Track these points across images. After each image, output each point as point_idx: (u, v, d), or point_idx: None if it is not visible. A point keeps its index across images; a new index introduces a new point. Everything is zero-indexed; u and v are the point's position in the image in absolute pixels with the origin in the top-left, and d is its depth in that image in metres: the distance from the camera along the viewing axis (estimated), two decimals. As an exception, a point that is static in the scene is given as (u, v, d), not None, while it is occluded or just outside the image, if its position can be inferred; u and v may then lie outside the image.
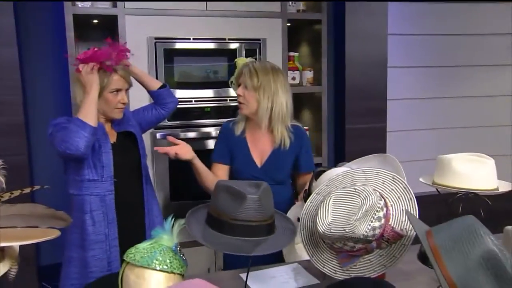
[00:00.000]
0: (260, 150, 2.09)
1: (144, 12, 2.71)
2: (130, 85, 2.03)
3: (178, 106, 2.75)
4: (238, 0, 2.87)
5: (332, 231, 1.26)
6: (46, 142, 1.93)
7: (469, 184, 1.60)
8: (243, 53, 2.87)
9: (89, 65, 1.86)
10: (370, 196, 1.27)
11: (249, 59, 2.14)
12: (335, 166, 1.73)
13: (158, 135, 2.77)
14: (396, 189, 1.36)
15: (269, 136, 2.07)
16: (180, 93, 2.78)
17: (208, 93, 2.87)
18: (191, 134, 2.85)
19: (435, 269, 1.02)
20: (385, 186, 1.38)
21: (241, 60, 2.11)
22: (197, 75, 2.85)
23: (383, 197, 1.33)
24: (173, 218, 1.30)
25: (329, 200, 1.30)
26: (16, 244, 1.18)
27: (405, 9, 3.66)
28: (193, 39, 2.80)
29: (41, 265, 2.98)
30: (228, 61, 2.87)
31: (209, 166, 2.12)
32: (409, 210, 1.32)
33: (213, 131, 2.87)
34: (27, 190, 1.33)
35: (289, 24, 3.10)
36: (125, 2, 2.67)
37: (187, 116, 2.84)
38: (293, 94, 3.03)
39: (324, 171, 1.65)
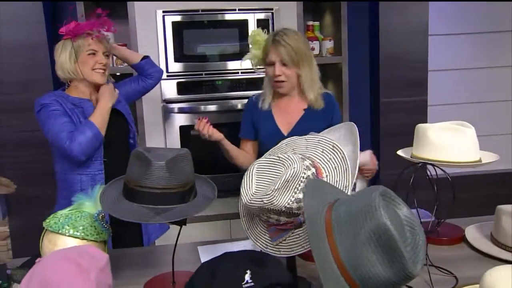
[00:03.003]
0: (287, 118, 2.04)
1: (152, -15, 2.70)
2: (107, 49, 2.01)
3: (189, 79, 2.77)
4: None
5: (253, 202, 1.17)
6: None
7: (445, 156, 1.41)
8: (255, 23, 2.77)
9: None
10: (294, 165, 1.15)
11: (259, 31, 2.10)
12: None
13: (170, 107, 2.77)
14: (334, 159, 1.23)
15: (298, 101, 2.04)
16: (189, 66, 2.76)
17: (219, 66, 2.81)
18: (202, 108, 2.82)
19: (322, 245, 0.90)
20: (324, 155, 1.25)
21: (257, 35, 2.04)
22: (207, 48, 2.80)
23: (315, 167, 1.20)
24: (100, 185, 1.28)
25: (253, 169, 1.21)
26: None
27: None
28: (202, 10, 2.75)
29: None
30: (239, 32, 2.79)
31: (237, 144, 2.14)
32: (343, 181, 1.19)
33: (225, 104, 2.81)
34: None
35: (310, -8, 2.95)
36: (133, -24, 2.68)
37: (198, 89, 2.81)
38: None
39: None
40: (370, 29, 3.33)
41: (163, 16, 2.71)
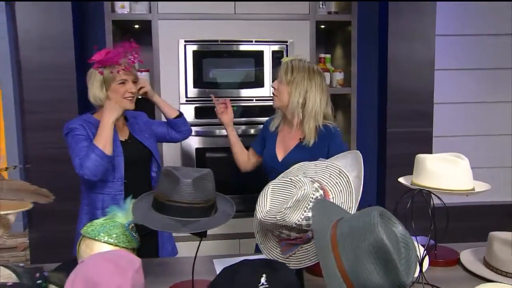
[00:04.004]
0: (285, 145, 2.16)
1: (176, 16, 2.91)
2: (135, 77, 2.15)
3: (207, 104, 2.95)
4: (267, 0, 2.95)
5: (267, 218, 1.32)
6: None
7: (440, 184, 1.56)
8: (270, 55, 2.97)
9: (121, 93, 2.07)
10: (305, 186, 1.31)
11: (290, 57, 2.22)
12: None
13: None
14: (340, 183, 1.39)
15: (298, 132, 2.12)
16: (207, 92, 2.95)
17: (235, 92, 3.00)
18: (217, 132, 2.99)
19: (329, 259, 1.05)
20: (331, 179, 1.41)
21: (285, 59, 2.19)
22: (225, 76, 3.00)
23: (323, 189, 1.36)
24: (131, 198, 1.44)
25: (268, 189, 1.37)
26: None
27: (455, 8, 3.51)
28: (221, 41, 2.95)
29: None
30: (255, 62, 2.99)
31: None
32: (348, 203, 1.34)
33: (238, 129, 2.98)
34: (12, 169, 1.54)
35: (323, 26, 3.14)
36: (158, 8, 2.89)
37: (214, 114, 2.96)
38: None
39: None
40: (379, 62, 3.50)
41: (185, 45, 2.91)
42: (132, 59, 2.09)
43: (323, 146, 2.08)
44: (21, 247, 3.12)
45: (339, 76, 3.19)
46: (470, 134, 3.62)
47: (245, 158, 2.36)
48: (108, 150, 1.95)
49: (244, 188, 2.98)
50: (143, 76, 3.00)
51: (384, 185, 3.48)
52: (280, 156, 2.15)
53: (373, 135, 3.61)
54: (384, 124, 3.41)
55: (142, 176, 2.21)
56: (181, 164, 2.96)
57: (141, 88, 2.22)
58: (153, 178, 2.23)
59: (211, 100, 2.94)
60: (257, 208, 1.36)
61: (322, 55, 3.20)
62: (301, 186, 1.31)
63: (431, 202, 1.65)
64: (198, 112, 2.96)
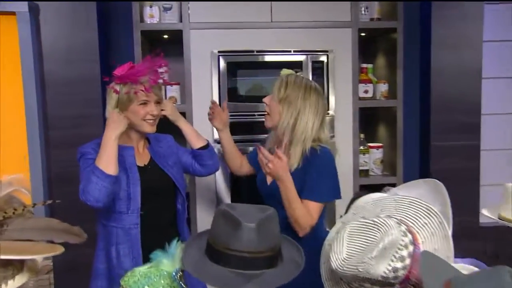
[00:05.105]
0: None
1: (208, 26, 2.71)
2: (159, 97, 1.93)
3: (241, 119, 2.74)
4: (306, 0, 2.75)
5: (345, 269, 1.10)
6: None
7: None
8: (309, 65, 2.75)
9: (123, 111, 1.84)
10: (391, 230, 1.08)
11: (290, 72, 2.01)
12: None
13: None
14: (430, 224, 1.15)
15: (286, 155, 1.84)
16: (243, 107, 2.74)
17: (272, 107, 2.78)
18: (252, 149, 2.77)
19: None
20: (417, 219, 1.17)
21: (284, 72, 1.99)
22: (261, 89, 2.78)
23: (411, 232, 1.13)
24: (178, 241, 1.23)
25: (344, 233, 1.14)
26: (16, 258, 1.19)
27: (504, 11, 3.26)
28: (257, 51, 2.75)
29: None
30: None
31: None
32: (445, 251, 1.11)
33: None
34: (40, 205, 1.34)
35: (363, 34, 2.92)
36: (190, 17, 2.70)
37: (251, 130, 2.78)
38: (365, 109, 2.90)
39: (360, 196, 1.47)
40: (420, 71, 3.27)
41: (218, 56, 2.71)
42: (155, 78, 1.86)
43: (302, 172, 1.84)
44: (45, 269, 2.96)
45: (383, 87, 2.95)
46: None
47: (236, 164, 2.22)
48: (111, 170, 1.72)
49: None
50: (173, 90, 2.81)
51: (428, 203, 3.25)
52: (269, 179, 1.95)
53: (414, 148, 3.37)
54: (427, 137, 3.18)
55: (163, 208, 1.96)
56: (215, 185, 2.74)
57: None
58: (178, 210, 2.00)
59: (247, 115, 2.76)
60: (331, 255, 1.13)
61: (364, 65, 2.97)
62: (387, 230, 1.08)
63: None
64: (233, 128, 2.74)
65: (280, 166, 1.76)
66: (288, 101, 1.85)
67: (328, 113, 1.93)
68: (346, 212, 1.52)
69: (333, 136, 2.69)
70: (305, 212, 1.81)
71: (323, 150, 1.87)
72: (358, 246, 1.12)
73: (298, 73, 1.98)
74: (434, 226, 1.15)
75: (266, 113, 1.96)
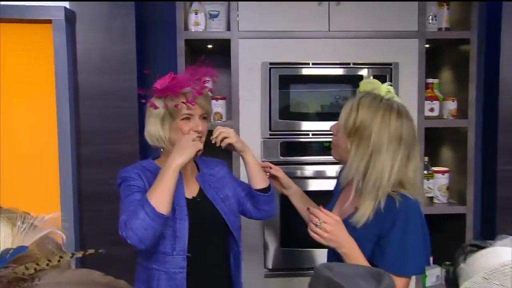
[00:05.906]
0: (341, 211, 1.57)
1: (259, 35, 2.44)
2: (205, 111, 1.65)
3: (293, 139, 2.46)
4: (370, 0, 2.46)
5: None
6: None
7: None
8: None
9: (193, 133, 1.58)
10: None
11: (372, 85, 1.59)
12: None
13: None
14: None
15: (356, 199, 1.49)
16: (295, 125, 2.46)
17: (328, 125, 2.48)
18: (307, 172, 2.48)
19: None
20: None
21: (363, 86, 1.59)
22: (316, 105, 2.49)
23: None
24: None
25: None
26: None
27: None
28: (312, 64, 2.46)
29: None
30: (353, 89, 2.47)
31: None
32: None
33: (330, 169, 2.46)
34: (79, 255, 1.08)
35: (427, 46, 2.61)
36: (239, 25, 2.44)
37: (303, 151, 2.49)
38: (431, 129, 2.57)
39: (477, 248, 1.17)
40: (485, 86, 2.94)
41: (269, 69, 2.43)
42: (199, 88, 1.58)
43: (373, 231, 1.43)
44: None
45: (452, 105, 2.63)
46: None
47: (304, 208, 1.79)
48: (163, 208, 1.42)
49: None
50: (219, 105, 2.54)
51: (493, 233, 2.91)
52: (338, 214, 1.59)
53: (477, 172, 3.03)
54: (493, 160, 2.84)
55: (214, 250, 1.67)
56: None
57: (222, 137, 1.68)
58: (232, 254, 1.71)
59: (301, 134, 2.47)
60: None
61: (430, 80, 2.65)
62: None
63: None
64: (285, 149, 2.46)
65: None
66: (358, 136, 1.45)
67: (414, 147, 1.45)
68: (455, 267, 1.21)
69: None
70: None
71: (405, 204, 1.42)
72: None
73: (388, 85, 1.54)
74: None
75: (332, 143, 1.62)
